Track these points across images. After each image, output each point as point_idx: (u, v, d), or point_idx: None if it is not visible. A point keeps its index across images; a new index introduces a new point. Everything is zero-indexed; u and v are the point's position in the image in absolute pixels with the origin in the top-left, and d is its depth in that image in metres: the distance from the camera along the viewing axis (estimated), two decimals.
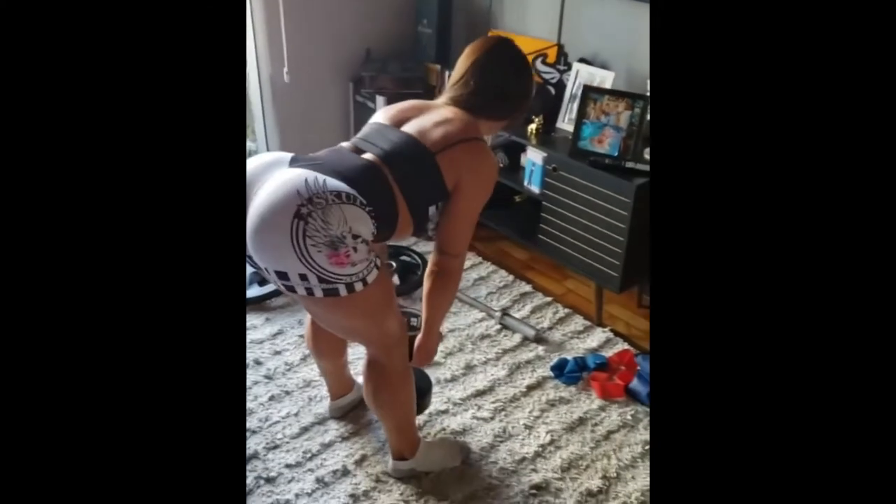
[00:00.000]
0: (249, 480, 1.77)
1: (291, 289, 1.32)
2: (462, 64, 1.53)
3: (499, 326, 2.38)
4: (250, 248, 1.31)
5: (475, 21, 2.82)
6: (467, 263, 2.75)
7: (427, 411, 2.00)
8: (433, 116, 1.47)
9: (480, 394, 2.08)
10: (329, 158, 1.40)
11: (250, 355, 2.20)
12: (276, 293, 2.47)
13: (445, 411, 2.01)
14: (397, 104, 1.55)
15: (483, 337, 2.33)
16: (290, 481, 1.77)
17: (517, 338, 2.33)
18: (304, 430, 1.93)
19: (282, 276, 1.30)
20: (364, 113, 2.80)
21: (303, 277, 1.28)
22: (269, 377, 2.12)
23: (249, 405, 2.01)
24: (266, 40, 2.65)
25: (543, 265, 2.78)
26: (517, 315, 2.43)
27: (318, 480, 1.77)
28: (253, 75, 2.76)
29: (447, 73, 2.68)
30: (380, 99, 2.68)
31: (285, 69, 2.72)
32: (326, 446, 1.88)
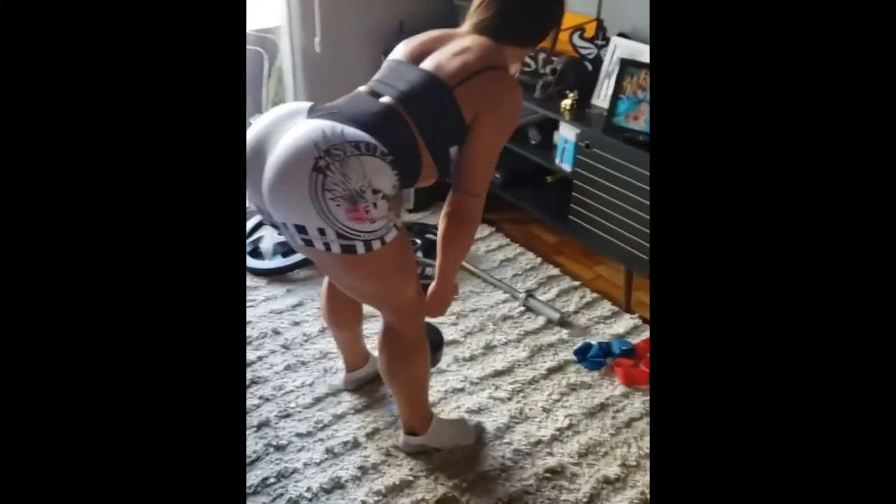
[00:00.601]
0: (259, 447, 1.75)
1: (309, 243, 1.28)
2: None
3: (522, 308, 2.31)
4: (267, 203, 1.28)
5: None
6: (493, 243, 2.69)
7: (443, 389, 1.95)
8: (453, 47, 1.39)
9: (499, 374, 2.03)
10: (347, 106, 1.34)
11: (269, 324, 2.18)
12: (298, 265, 2.44)
13: (461, 389, 1.96)
14: (417, 36, 1.47)
15: (505, 318, 2.27)
16: (299, 450, 1.75)
17: (541, 320, 2.26)
18: (318, 400, 1.91)
19: (300, 230, 1.26)
20: None
21: (321, 232, 1.24)
22: (286, 347, 2.10)
23: (265, 373, 1.99)
24: (299, 9, 2.62)
25: (573, 249, 2.70)
26: (542, 298, 2.36)
27: (328, 451, 1.74)
28: (285, 44, 2.74)
29: None
30: None
31: (317, 39, 2.68)
32: (338, 417, 1.85)
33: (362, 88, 1.43)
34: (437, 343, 1.80)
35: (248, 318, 2.20)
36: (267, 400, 1.90)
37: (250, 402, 1.89)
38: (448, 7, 2.84)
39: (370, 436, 1.80)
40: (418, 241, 2.59)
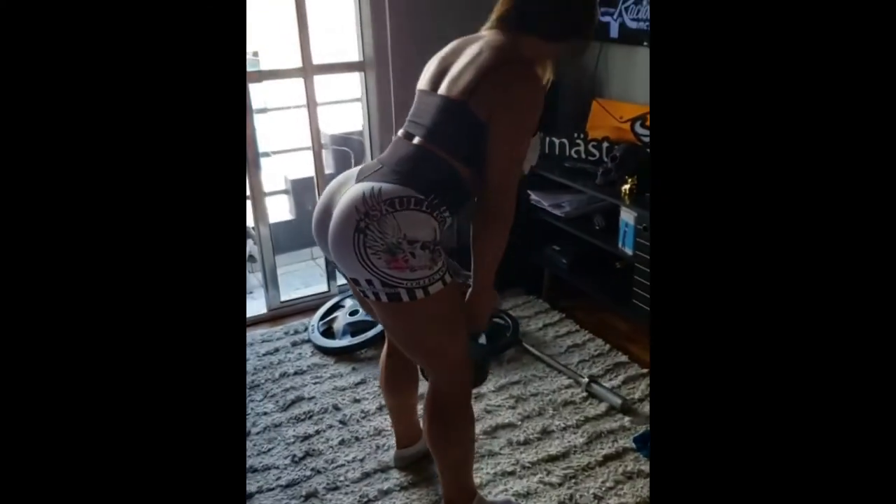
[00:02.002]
0: None
1: (366, 294, 1.39)
2: None
3: (585, 394, 2.25)
4: (335, 261, 1.43)
5: (580, 88, 2.84)
6: (562, 329, 2.66)
7: (492, 471, 1.91)
8: (466, 55, 1.40)
9: (552, 459, 1.96)
10: (388, 157, 1.44)
11: (330, 400, 2.25)
12: (365, 344, 2.52)
13: (512, 473, 1.91)
14: (439, 52, 1.49)
15: (566, 403, 2.21)
16: None
17: (603, 407, 2.18)
18: (366, 475, 1.92)
19: (356, 282, 1.38)
20: None
21: (369, 283, 1.35)
22: (343, 422, 2.14)
23: (320, 446, 2.03)
24: (378, 112, 2.82)
25: (644, 336, 2.61)
26: (608, 385, 2.28)
27: None
28: (367, 143, 2.96)
29: (551, 140, 2.70)
30: None
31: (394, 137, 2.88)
32: (384, 493, 1.85)
33: (401, 132, 1.49)
34: (480, 361, 1.71)
35: (311, 394, 2.28)
36: (318, 472, 1.93)
37: (302, 472, 1.93)
38: None
39: None
40: None
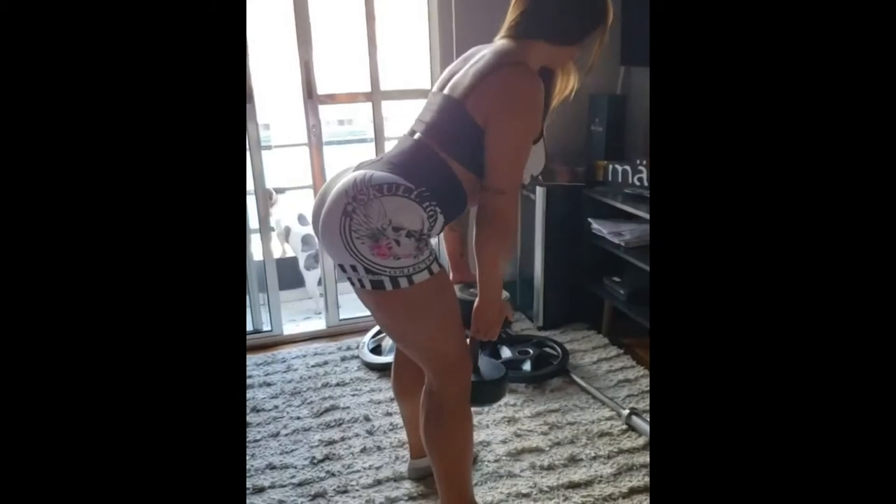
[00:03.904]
0: None
1: (350, 280, 1.39)
2: None
3: (624, 426, 2.09)
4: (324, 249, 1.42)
5: (646, 115, 2.75)
6: (616, 364, 2.51)
7: (506, 492, 1.81)
8: (472, 60, 1.41)
9: (574, 486, 1.83)
10: (389, 152, 1.46)
11: (363, 412, 2.24)
12: None
13: (527, 495, 1.80)
14: (455, 61, 1.51)
15: (602, 434, 2.07)
16: None
17: (641, 441, 2.02)
18: (378, 482, 1.88)
19: (342, 268, 1.38)
20: (526, 205, 2.85)
21: (353, 268, 1.34)
22: (370, 432, 2.13)
23: (341, 452, 2.03)
24: None
25: None
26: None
27: None
28: None
29: (614, 167, 2.63)
30: (539, 190, 2.71)
31: None
32: (391, 500, 1.80)
33: (406, 130, 1.52)
34: (495, 378, 1.66)
35: (346, 405, 2.29)
36: (332, 475, 1.92)
37: (317, 474, 1.92)
38: (585, 134, 2.94)
39: None
40: (530, 351, 2.53)
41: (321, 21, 2.65)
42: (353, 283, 1.39)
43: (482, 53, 1.43)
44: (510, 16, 1.43)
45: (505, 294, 1.53)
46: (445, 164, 1.40)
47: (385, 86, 2.74)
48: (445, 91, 1.44)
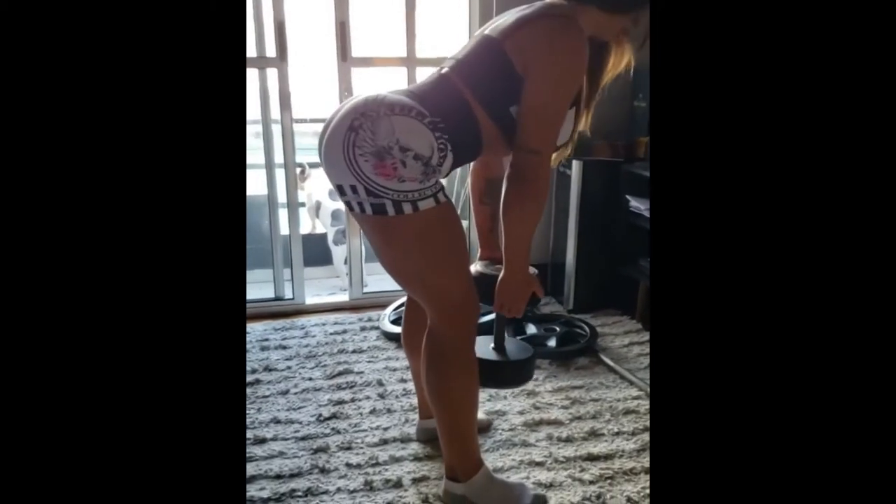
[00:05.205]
0: (306, 466, 1.67)
1: (350, 206, 1.29)
2: None
3: None
4: (325, 169, 1.33)
5: None
6: (648, 349, 2.36)
7: (517, 459, 1.69)
8: (519, 8, 1.32)
9: (592, 458, 1.70)
10: (414, 85, 1.38)
11: (377, 376, 2.15)
12: None
13: (540, 464, 1.67)
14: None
15: (628, 412, 1.93)
16: (341, 477, 1.63)
17: None
18: (383, 441, 1.79)
19: (341, 191, 1.28)
20: (561, 180, 2.74)
21: (353, 189, 1.24)
22: (381, 396, 2.03)
23: (349, 412, 1.94)
24: None
25: None
26: None
27: (367, 483, 1.60)
28: None
29: None
30: (575, 163, 2.59)
31: None
32: (395, 460, 1.70)
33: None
34: (522, 359, 1.57)
35: (361, 370, 2.21)
36: (337, 432, 1.83)
37: (322, 430, 1.84)
38: (628, 110, 2.81)
39: (416, 481, 1.61)
40: (557, 329, 2.40)
41: None
42: (351, 209, 1.29)
43: (530, 5, 1.34)
44: None
45: (533, 270, 1.44)
46: (468, 104, 1.31)
47: (421, 53, 2.68)
48: (486, 32, 1.35)
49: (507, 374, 1.59)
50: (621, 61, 1.42)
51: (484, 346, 1.58)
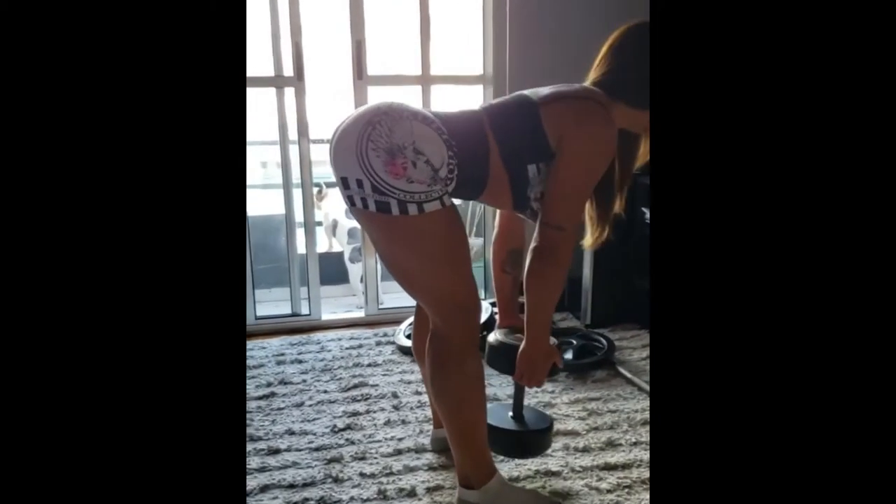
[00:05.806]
0: (320, 476, 1.66)
1: (352, 201, 1.28)
2: (601, 51, 1.40)
3: None
4: (331, 159, 1.32)
5: None
6: None
7: (533, 468, 1.66)
8: (562, 84, 1.38)
9: (610, 468, 1.67)
10: (440, 110, 1.40)
11: (392, 389, 2.14)
12: None
13: (557, 473, 1.65)
14: None
15: (646, 423, 1.89)
16: (354, 486, 1.61)
17: None
18: (398, 451, 1.77)
19: (345, 184, 1.27)
20: None
21: (359, 184, 1.24)
22: (396, 408, 2.02)
23: (364, 423, 1.93)
24: None
25: None
26: None
27: (380, 492, 1.58)
28: None
29: None
30: None
31: None
32: (409, 469, 1.68)
33: None
34: (541, 429, 1.58)
35: (376, 383, 2.20)
36: (351, 443, 1.82)
37: (336, 441, 1.83)
38: None
39: (430, 490, 1.59)
40: (574, 342, 2.38)
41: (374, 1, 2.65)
42: (353, 203, 1.28)
43: (571, 84, 1.39)
44: (594, 73, 1.40)
45: (553, 340, 1.48)
46: (486, 144, 1.33)
47: (436, 71, 2.71)
48: (524, 93, 1.39)
49: (525, 443, 1.59)
50: (641, 156, 1.47)
51: (502, 415, 1.59)
